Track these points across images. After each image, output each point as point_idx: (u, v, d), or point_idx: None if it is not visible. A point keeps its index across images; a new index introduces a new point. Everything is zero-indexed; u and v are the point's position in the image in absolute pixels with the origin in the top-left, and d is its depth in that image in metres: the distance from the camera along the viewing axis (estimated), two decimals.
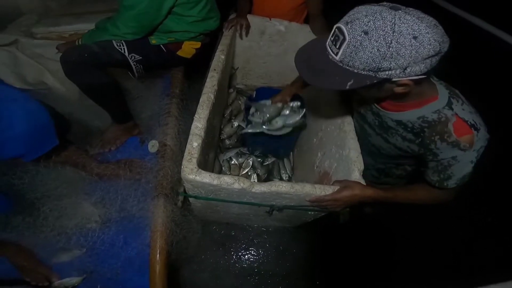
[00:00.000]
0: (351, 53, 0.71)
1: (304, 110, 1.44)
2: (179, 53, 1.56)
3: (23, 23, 1.74)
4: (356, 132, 1.16)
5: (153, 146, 1.41)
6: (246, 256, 1.74)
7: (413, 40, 0.66)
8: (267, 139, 1.57)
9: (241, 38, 1.78)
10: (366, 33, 0.68)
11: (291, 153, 2.04)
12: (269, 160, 1.91)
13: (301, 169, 1.79)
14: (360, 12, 0.71)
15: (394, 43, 0.66)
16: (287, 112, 1.44)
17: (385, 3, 0.73)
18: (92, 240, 1.14)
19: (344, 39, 0.71)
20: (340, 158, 1.17)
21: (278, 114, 1.43)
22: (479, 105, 0.90)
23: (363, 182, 1.01)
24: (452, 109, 0.85)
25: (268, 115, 1.41)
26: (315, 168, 1.45)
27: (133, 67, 1.43)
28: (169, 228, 1.15)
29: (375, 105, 1.01)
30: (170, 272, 1.13)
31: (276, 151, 1.92)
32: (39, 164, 1.12)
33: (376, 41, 0.67)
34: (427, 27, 0.66)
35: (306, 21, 1.83)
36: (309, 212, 1.25)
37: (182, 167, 0.93)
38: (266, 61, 2.05)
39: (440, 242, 1.72)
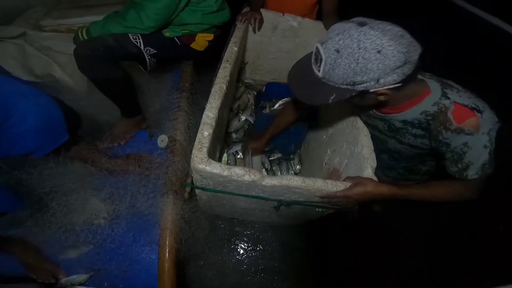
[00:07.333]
0: (329, 70, 0.78)
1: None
2: (193, 45, 1.53)
3: (31, 15, 1.71)
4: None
5: (162, 141, 1.39)
6: (252, 253, 1.73)
7: (377, 54, 0.71)
8: None
9: (254, 32, 1.76)
10: (338, 51, 0.75)
11: (298, 149, 2.02)
12: (275, 156, 1.89)
13: (309, 165, 1.77)
14: (333, 31, 0.77)
15: (361, 59, 0.72)
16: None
17: (355, 18, 0.78)
18: (100, 237, 1.13)
19: (321, 58, 0.78)
20: (352, 155, 1.15)
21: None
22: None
23: (375, 179, 0.99)
24: (449, 98, 0.87)
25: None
26: (324, 165, 1.43)
27: (147, 60, 1.40)
28: (178, 225, 1.14)
29: (377, 112, 1.04)
30: (178, 270, 1.12)
31: (283, 147, 1.89)
32: (48, 159, 1.11)
33: (347, 58, 0.74)
34: (390, 39, 0.71)
35: (318, 16, 1.80)
36: (316, 209, 1.22)
37: (192, 156, 0.90)
38: (276, 56, 2.02)
39: (448, 246, 1.68)
